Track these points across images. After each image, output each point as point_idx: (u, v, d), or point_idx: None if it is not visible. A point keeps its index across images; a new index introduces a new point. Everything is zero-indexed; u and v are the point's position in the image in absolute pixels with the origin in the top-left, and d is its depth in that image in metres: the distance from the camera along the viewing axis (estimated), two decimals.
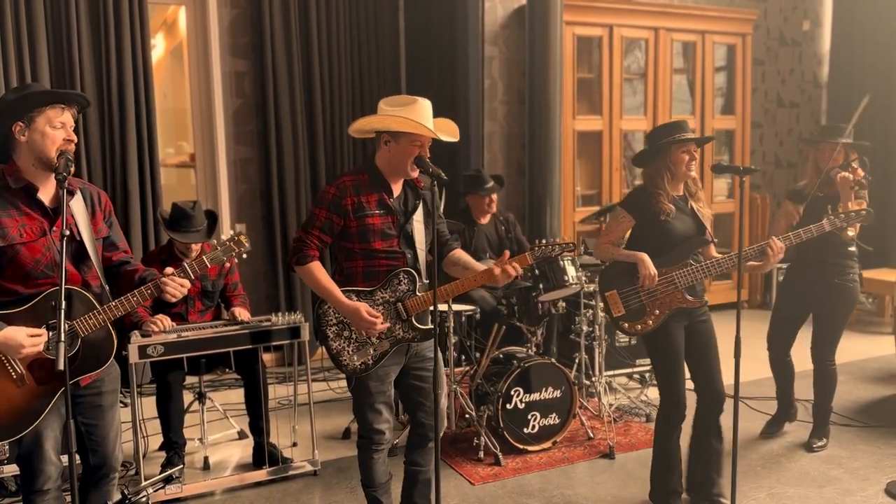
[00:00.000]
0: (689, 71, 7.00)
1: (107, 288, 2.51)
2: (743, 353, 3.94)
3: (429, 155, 2.75)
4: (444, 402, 3.08)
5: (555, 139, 5.75)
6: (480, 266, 2.88)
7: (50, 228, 2.36)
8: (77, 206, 2.43)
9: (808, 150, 4.34)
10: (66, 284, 2.21)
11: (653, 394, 4.84)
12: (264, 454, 3.77)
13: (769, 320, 4.15)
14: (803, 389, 4.46)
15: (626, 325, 3.21)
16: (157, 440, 3.95)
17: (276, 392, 4.87)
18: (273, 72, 5.42)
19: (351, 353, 2.81)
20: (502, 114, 6.39)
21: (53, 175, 2.32)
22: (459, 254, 3.01)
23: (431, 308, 2.75)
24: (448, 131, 2.83)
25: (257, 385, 3.75)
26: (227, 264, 4.00)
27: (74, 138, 2.38)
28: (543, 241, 2.89)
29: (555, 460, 3.88)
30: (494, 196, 4.75)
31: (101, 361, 2.45)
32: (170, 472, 3.04)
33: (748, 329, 3.98)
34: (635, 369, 4.92)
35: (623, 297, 3.20)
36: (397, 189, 2.86)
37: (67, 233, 2.19)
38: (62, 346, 2.02)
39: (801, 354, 4.09)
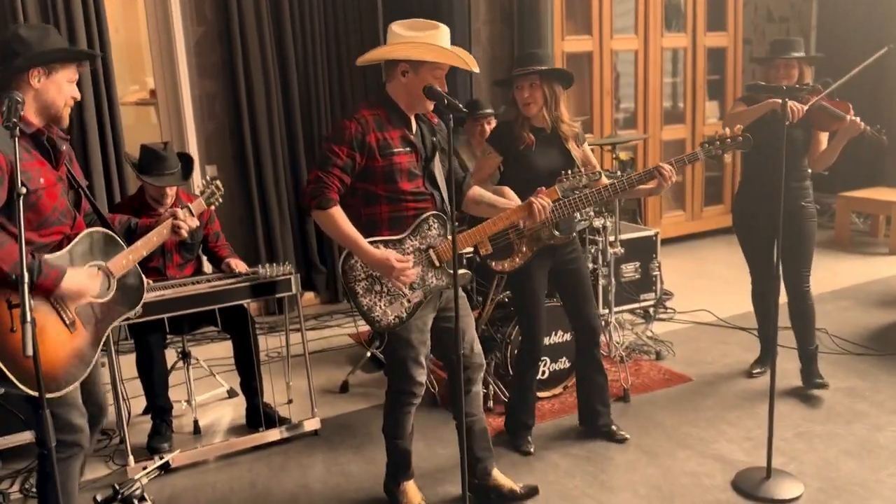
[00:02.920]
0: None
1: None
2: (743, 280, 3.76)
3: (445, 88, 2.49)
4: (476, 339, 2.89)
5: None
6: (507, 202, 2.71)
7: (59, 175, 2.30)
8: (67, 153, 2.38)
9: (760, 69, 3.98)
10: (74, 231, 2.31)
11: (658, 329, 4.67)
12: (259, 416, 3.50)
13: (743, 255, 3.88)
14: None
15: (494, 263, 3.12)
16: (138, 403, 3.66)
17: (265, 343, 4.56)
18: None
19: (383, 307, 2.59)
20: (485, 35, 5.96)
21: (55, 128, 2.30)
22: (480, 191, 2.81)
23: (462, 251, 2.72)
24: (469, 61, 2.57)
25: (248, 344, 3.45)
26: (206, 213, 3.65)
27: (79, 96, 2.34)
28: (569, 172, 2.75)
29: (567, 406, 3.68)
30: (493, 122, 4.34)
31: (136, 299, 2.48)
32: (165, 458, 2.77)
33: (740, 254, 3.80)
34: (640, 304, 4.71)
35: (491, 235, 3.06)
36: (413, 125, 2.64)
37: (24, 191, 1.89)
38: (29, 328, 1.69)
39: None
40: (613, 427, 3.38)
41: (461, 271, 2.68)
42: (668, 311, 5.04)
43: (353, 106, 5.39)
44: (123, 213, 3.38)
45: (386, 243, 2.56)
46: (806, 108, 3.35)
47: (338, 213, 2.50)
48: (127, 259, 2.42)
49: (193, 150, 5.13)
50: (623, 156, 4.60)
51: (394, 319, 2.59)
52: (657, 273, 4.70)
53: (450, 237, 2.61)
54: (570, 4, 6.07)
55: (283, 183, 5.28)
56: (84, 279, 2.26)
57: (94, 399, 2.52)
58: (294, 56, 5.16)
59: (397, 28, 2.51)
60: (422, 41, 2.46)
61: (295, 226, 5.41)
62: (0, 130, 2.07)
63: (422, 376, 2.73)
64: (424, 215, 2.60)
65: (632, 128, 6.56)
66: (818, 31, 7.63)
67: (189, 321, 3.48)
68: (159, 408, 3.47)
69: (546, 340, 3.71)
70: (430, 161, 2.63)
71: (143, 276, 2.54)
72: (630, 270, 4.61)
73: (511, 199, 2.79)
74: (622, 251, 4.25)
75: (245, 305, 3.46)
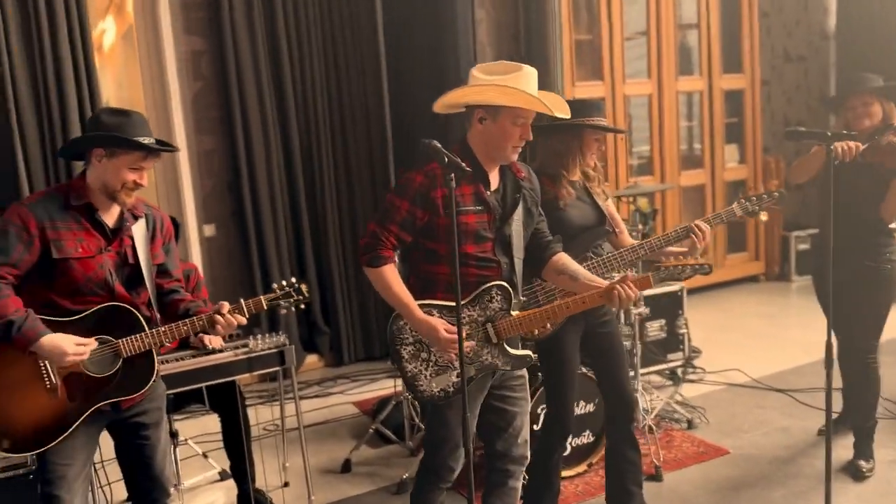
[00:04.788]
0: (695, 27, 6.39)
1: (158, 316, 2.42)
2: (775, 334, 3.45)
3: (530, 137, 2.28)
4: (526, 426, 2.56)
5: None
6: (592, 278, 2.37)
7: (106, 247, 2.33)
8: (138, 230, 2.39)
9: (836, 110, 3.63)
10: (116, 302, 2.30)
11: (687, 391, 4.31)
12: (250, 503, 3.17)
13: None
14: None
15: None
16: (120, 487, 3.33)
17: (259, 415, 4.24)
18: (234, 48, 4.75)
19: (429, 377, 2.36)
20: None
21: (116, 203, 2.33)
22: (565, 259, 2.45)
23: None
24: (559, 107, 2.29)
25: (237, 424, 3.14)
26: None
27: (146, 183, 2.34)
28: (672, 260, 2.55)
29: (593, 488, 3.32)
30: None
31: (138, 386, 2.35)
32: None
33: (773, 304, 3.44)
34: (667, 365, 4.36)
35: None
36: (494, 179, 2.36)
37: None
38: None
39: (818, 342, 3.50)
40: None
41: (523, 353, 2.42)
42: (697, 370, 4.68)
43: (355, 156, 5.19)
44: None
45: (441, 309, 2.31)
46: (863, 146, 2.92)
47: (389, 272, 2.30)
48: (141, 341, 2.30)
49: (190, 209, 4.91)
50: (644, 206, 4.31)
51: (438, 392, 2.35)
52: (684, 331, 4.36)
53: (514, 313, 2.34)
54: (579, 50, 5.87)
55: (284, 239, 5.04)
56: (65, 342, 2.20)
57: (149, 469, 2.47)
58: (294, 108, 4.97)
59: (477, 72, 2.26)
60: (499, 84, 2.19)
61: None
62: (46, 197, 2.29)
63: (455, 461, 2.43)
64: (488, 285, 2.32)
65: (647, 174, 6.29)
66: (837, 69, 7.39)
67: (173, 400, 3.17)
68: None
69: None
70: (505, 222, 2.33)
71: (155, 361, 2.36)
72: (655, 329, 4.27)
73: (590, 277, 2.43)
74: (647, 311, 3.93)
75: (235, 382, 3.16)
